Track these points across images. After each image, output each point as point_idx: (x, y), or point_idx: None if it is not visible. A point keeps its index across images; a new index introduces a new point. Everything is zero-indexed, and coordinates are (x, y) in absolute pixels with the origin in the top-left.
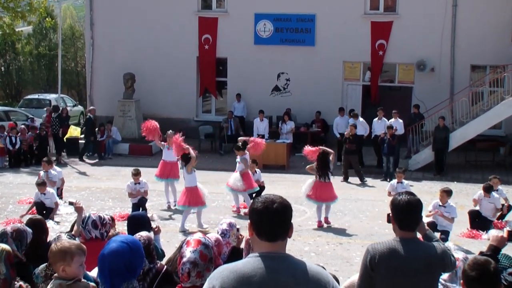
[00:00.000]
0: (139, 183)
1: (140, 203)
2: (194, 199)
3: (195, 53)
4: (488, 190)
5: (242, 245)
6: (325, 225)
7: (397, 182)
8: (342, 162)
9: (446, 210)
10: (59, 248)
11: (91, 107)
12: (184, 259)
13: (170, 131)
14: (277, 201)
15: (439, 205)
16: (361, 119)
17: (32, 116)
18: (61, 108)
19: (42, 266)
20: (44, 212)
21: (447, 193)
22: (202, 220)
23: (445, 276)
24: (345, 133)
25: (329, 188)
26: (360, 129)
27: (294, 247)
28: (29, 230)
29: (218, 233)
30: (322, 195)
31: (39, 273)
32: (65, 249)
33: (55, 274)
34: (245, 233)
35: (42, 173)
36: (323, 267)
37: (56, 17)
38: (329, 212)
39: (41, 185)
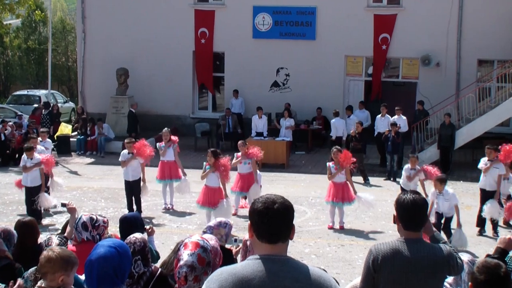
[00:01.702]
0: (132, 153)
1: (135, 199)
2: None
3: (191, 48)
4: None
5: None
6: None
7: (411, 169)
8: None
9: (445, 198)
10: (60, 256)
11: (134, 102)
12: (181, 262)
13: (166, 128)
14: (278, 201)
15: (438, 194)
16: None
17: (20, 113)
18: (51, 105)
19: (32, 269)
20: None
21: (440, 181)
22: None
23: (449, 279)
24: (351, 131)
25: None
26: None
27: (294, 249)
28: (13, 231)
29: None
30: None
31: (28, 277)
32: (67, 258)
33: (41, 284)
34: (241, 234)
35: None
36: (324, 270)
37: (46, 10)
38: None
39: (29, 150)
